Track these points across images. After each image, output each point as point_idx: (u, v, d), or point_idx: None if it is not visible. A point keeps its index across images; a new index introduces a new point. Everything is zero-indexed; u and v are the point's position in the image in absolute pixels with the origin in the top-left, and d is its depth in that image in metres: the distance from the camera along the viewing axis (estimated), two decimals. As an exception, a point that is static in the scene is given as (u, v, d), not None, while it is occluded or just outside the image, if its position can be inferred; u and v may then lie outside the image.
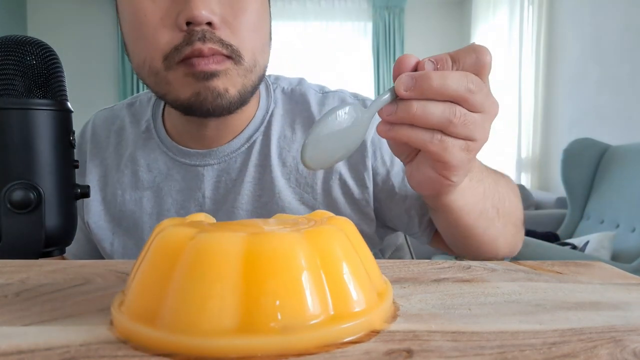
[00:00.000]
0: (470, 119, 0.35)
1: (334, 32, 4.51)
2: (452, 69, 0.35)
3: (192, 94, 0.50)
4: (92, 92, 4.20)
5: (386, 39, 4.47)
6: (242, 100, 0.53)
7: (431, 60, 0.35)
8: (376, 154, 0.58)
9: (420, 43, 4.57)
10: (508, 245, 0.55)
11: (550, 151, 3.26)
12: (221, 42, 0.48)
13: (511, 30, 3.61)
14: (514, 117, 3.58)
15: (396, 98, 0.34)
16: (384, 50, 4.47)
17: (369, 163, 0.58)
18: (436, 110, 0.34)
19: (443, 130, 0.35)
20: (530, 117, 3.42)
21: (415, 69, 0.35)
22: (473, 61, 0.35)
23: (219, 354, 0.19)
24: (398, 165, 0.58)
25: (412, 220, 0.58)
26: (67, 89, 0.44)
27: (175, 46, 0.48)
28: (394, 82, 0.35)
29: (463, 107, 0.35)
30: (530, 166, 3.49)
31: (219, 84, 0.49)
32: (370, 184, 0.58)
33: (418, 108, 0.34)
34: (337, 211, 0.58)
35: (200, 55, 0.48)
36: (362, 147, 0.58)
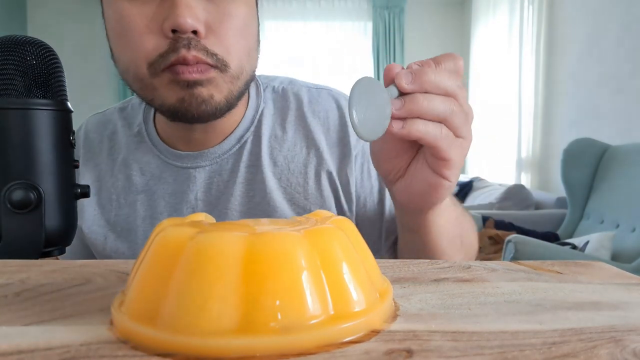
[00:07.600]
0: (463, 114, 0.38)
1: (334, 32, 4.51)
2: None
3: (176, 100, 0.50)
4: (92, 92, 4.20)
5: (386, 39, 4.47)
6: (229, 106, 0.53)
7: (417, 64, 0.37)
8: (363, 165, 0.61)
9: (420, 43, 4.57)
10: None
11: (550, 151, 3.26)
12: (206, 50, 0.48)
13: (511, 30, 3.61)
14: (514, 117, 3.58)
15: (397, 96, 0.36)
16: (384, 50, 4.47)
17: (353, 168, 0.60)
18: (439, 102, 0.36)
19: (446, 123, 0.37)
20: (530, 117, 3.42)
21: None
22: (452, 66, 0.38)
23: (219, 354, 0.19)
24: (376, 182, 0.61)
25: (380, 234, 0.61)
26: (67, 89, 0.44)
27: (160, 53, 0.48)
28: (385, 85, 0.37)
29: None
30: (530, 166, 3.48)
31: (203, 91, 0.49)
32: (353, 189, 0.60)
33: (424, 99, 0.36)
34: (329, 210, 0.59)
35: (185, 63, 0.48)
36: (348, 151, 0.60)
